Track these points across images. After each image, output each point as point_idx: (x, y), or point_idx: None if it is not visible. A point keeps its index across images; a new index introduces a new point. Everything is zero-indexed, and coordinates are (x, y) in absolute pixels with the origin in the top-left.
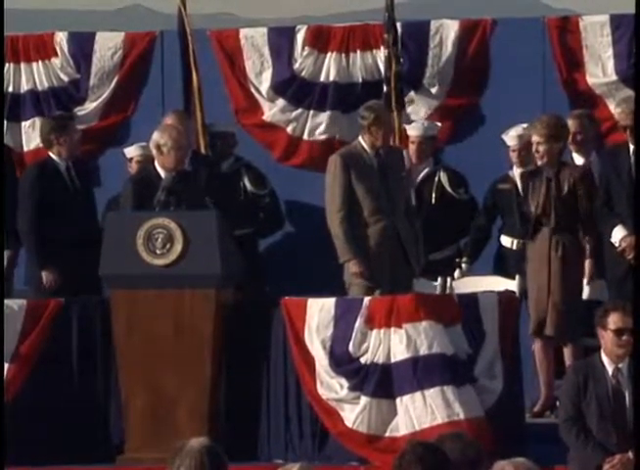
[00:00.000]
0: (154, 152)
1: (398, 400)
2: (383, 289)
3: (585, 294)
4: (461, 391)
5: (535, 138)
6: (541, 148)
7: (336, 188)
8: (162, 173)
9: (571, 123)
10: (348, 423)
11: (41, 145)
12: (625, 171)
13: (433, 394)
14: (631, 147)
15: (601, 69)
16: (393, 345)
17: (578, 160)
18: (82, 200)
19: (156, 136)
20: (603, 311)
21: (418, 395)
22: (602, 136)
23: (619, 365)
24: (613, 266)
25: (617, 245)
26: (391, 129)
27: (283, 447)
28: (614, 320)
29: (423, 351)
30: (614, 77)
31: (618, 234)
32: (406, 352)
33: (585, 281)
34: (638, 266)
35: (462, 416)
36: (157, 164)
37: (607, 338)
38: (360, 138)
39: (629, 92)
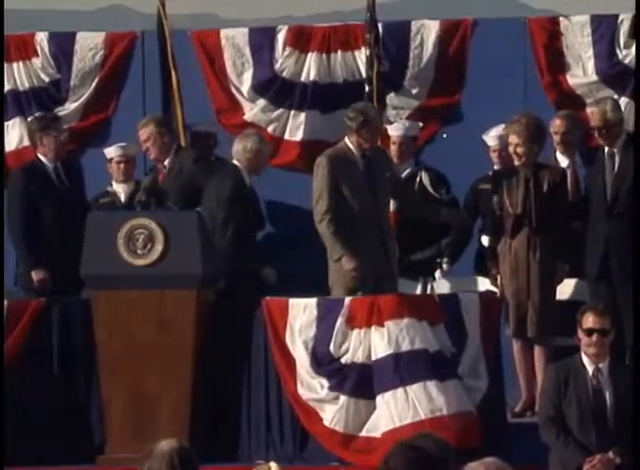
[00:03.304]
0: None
1: (380, 397)
2: (365, 290)
3: (567, 294)
4: (445, 386)
5: (514, 139)
6: (520, 149)
7: (323, 189)
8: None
9: (558, 123)
10: (326, 422)
11: (22, 145)
12: (601, 174)
13: (415, 389)
14: (606, 149)
15: (581, 69)
16: (374, 343)
17: (563, 160)
18: (71, 200)
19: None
20: (580, 312)
21: (400, 390)
22: (587, 137)
23: (600, 365)
24: (590, 267)
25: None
26: (379, 131)
27: (263, 448)
28: (586, 320)
29: (405, 347)
30: (594, 78)
31: None
32: (388, 349)
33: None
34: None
35: (445, 411)
36: None
37: (581, 337)
38: (346, 139)
39: (610, 92)
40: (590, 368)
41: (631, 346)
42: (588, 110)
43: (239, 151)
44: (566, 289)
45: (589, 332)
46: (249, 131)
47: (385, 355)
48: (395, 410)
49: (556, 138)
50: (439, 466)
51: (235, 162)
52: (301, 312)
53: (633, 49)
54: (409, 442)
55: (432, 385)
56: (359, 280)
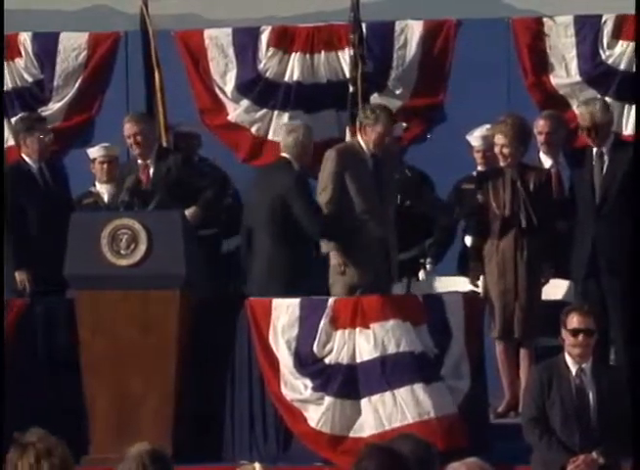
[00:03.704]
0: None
1: (366, 400)
2: (364, 289)
3: (550, 295)
4: (431, 388)
5: (500, 140)
6: (506, 150)
7: (328, 182)
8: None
9: (541, 124)
10: (312, 423)
11: (7, 145)
12: (589, 174)
13: (403, 393)
14: (594, 149)
15: (565, 69)
16: (359, 345)
17: (546, 161)
18: (56, 200)
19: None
20: (565, 312)
21: (388, 394)
22: (570, 137)
23: (583, 365)
24: (577, 267)
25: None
26: (388, 133)
27: (247, 448)
28: (571, 321)
29: (391, 349)
30: (577, 78)
31: None
32: (374, 352)
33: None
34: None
35: (433, 414)
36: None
37: (566, 338)
38: (359, 137)
39: (593, 93)
40: (573, 369)
41: (620, 345)
42: (577, 110)
43: (289, 144)
44: (549, 289)
45: (575, 332)
46: (296, 123)
47: (371, 359)
48: (384, 414)
49: (540, 138)
50: (417, 468)
51: (284, 154)
52: (284, 312)
53: (616, 49)
54: (383, 443)
55: (418, 388)
56: (358, 279)
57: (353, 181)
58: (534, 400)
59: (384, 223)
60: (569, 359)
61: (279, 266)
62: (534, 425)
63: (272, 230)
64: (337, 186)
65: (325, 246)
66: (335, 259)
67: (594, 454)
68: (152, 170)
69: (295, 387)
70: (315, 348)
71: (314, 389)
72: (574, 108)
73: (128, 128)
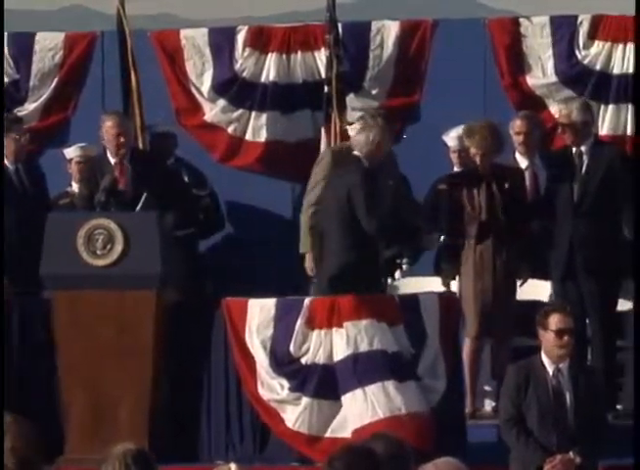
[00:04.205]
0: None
1: (342, 399)
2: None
3: (526, 294)
4: (403, 386)
5: (473, 151)
6: (479, 158)
7: (318, 182)
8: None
9: (519, 124)
10: (289, 424)
11: None
12: (568, 174)
13: (374, 389)
14: (573, 149)
15: (541, 70)
16: (336, 345)
17: (522, 161)
18: (33, 201)
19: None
20: (544, 312)
21: (359, 391)
22: (546, 138)
23: (560, 366)
24: (556, 267)
25: None
26: (386, 138)
27: (223, 448)
28: (554, 321)
29: (363, 348)
30: (554, 78)
31: None
32: (347, 350)
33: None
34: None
35: (404, 410)
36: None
37: (547, 338)
38: (353, 141)
39: (569, 93)
40: (550, 369)
41: (597, 346)
42: (556, 108)
43: (361, 142)
44: (526, 289)
45: (559, 333)
46: (369, 122)
47: (344, 357)
48: (356, 411)
49: (517, 139)
50: (390, 467)
51: (356, 152)
52: (260, 312)
53: (592, 50)
54: (356, 443)
55: (390, 385)
56: (342, 280)
57: None
58: (511, 401)
59: (379, 228)
60: (545, 360)
61: (349, 265)
62: (512, 425)
63: (341, 228)
64: (327, 184)
65: (302, 246)
66: (307, 263)
67: (571, 454)
68: (129, 171)
69: (271, 387)
70: (291, 348)
71: (291, 389)
72: (553, 106)
73: (112, 128)
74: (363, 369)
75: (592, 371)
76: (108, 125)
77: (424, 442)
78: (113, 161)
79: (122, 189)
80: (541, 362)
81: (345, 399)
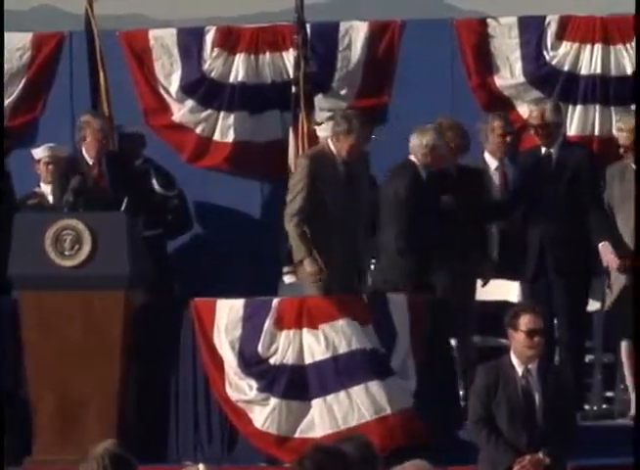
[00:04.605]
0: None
1: (320, 401)
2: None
3: (493, 295)
4: (385, 384)
5: (438, 151)
6: (444, 160)
7: (299, 191)
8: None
9: (498, 124)
10: (258, 424)
11: None
12: (537, 174)
13: (357, 391)
14: (543, 149)
15: (509, 70)
16: (309, 346)
17: (492, 162)
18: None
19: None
20: (513, 313)
21: (342, 393)
22: (514, 139)
23: (529, 366)
24: (526, 267)
25: None
26: (362, 141)
27: (192, 449)
28: (525, 322)
29: (342, 349)
30: (522, 79)
31: None
32: (325, 352)
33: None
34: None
35: (389, 411)
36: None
37: (518, 339)
38: (330, 143)
39: (537, 94)
40: (519, 369)
41: (566, 346)
42: (527, 108)
43: (415, 146)
44: (493, 289)
45: (530, 333)
46: (427, 126)
47: (323, 359)
48: (340, 413)
49: (497, 139)
50: (359, 468)
51: (411, 157)
52: (228, 313)
53: (560, 50)
54: (325, 443)
55: (373, 385)
56: (331, 285)
57: (326, 189)
58: (481, 401)
59: (356, 229)
60: (514, 360)
61: (403, 265)
62: (481, 425)
63: (392, 228)
64: (307, 195)
65: (298, 253)
66: (310, 268)
67: (540, 454)
68: (105, 172)
69: (239, 387)
70: (260, 348)
71: (259, 389)
72: (521, 107)
73: (99, 129)
74: (345, 371)
75: (561, 372)
76: (94, 126)
77: (414, 437)
78: (91, 161)
79: (101, 189)
80: (510, 363)
81: (327, 401)
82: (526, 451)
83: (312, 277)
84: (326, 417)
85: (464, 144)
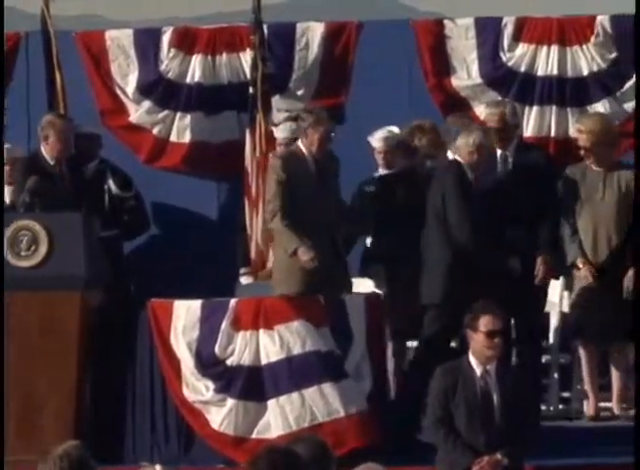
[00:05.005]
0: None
1: (273, 402)
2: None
3: None
4: (339, 386)
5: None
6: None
7: (275, 191)
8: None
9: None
10: (215, 425)
11: None
12: (493, 176)
13: (311, 392)
14: (499, 152)
15: (466, 71)
16: (264, 346)
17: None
18: None
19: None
20: (473, 314)
21: (295, 395)
22: None
23: (488, 367)
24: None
25: None
26: (328, 135)
27: (149, 450)
28: (485, 322)
29: (296, 350)
30: (478, 80)
31: None
32: (280, 353)
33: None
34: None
35: (342, 413)
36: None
37: (477, 340)
38: (299, 142)
39: (494, 95)
40: (478, 370)
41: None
42: (485, 110)
43: (462, 145)
44: None
45: (490, 334)
46: (473, 126)
47: (277, 360)
48: (292, 415)
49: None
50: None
51: (456, 157)
52: (185, 314)
53: (517, 51)
54: (279, 444)
55: (327, 387)
56: (311, 276)
57: (298, 186)
58: (439, 402)
59: (330, 226)
60: (473, 361)
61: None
62: (439, 426)
63: (440, 230)
64: (284, 193)
65: (290, 245)
66: (305, 256)
67: (498, 455)
68: (66, 172)
69: (196, 388)
70: (217, 349)
71: (216, 390)
72: (478, 108)
73: (65, 130)
74: (298, 372)
75: (519, 372)
76: (58, 127)
77: (367, 440)
78: (52, 162)
79: (63, 190)
80: (469, 364)
81: (280, 401)
82: (485, 452)
83: (307, 265)
84: (279, 418)
85: (443, 145)
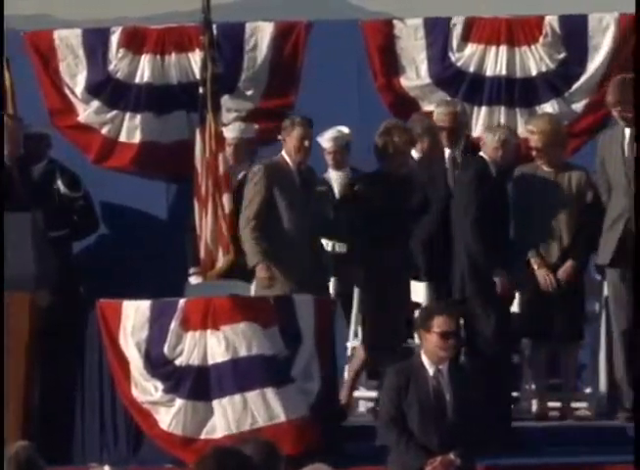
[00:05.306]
0: None
1: (217, 402)
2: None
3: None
4: (282, 392)
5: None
6: (398, 159)
7: (254, 197)
8: None
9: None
10: (163, 425)
11: None
12: (442, 177)
13: (253, 396)
14: (447, 152)
15: (415, 71)
16: (211, 347)
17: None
18: None
19: None
20: (427, 314)
21: (238, 397)
22: None
23: (440, 367)
24: (432, 268)
25: None
26: (307, 137)
27: (97, 450)
28: (438, 323)
29: (242, 352)
30: (427, 80)
31: None
32: (225, 355)
33: None
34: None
35: (283, 418)
36: None
37: (431, 340)
38: (283, 151)
39: (443, 95)
40: (431, 370)
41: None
42: (437, 110)
43: (488, 141)
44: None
45: (444, 335)
46: (499, 125)
47: (222, 361)
48: (233, 416)
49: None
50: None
51: (481, 153)
52: (134, 314)
53: (466, 52)
54: (227, 445)
55: (269, 391)
56: (293, 282)
57: (281, 198)
58: (392, 402)
59: (311, 236)
60: (425, 361)
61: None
62: (392, 426)
63: (465, 226)
64: (263, 202)
65: (251, 259)
66: (262, 273)
67: (451, 455)
68: (15, 173)
69: (145, 389)
70: (166, 349)
71: (165, 391)
72: (427, 108)
73: (18, 129)
74: (243, 375)
75: (471, 372)
76: (11, 128)
77: (307, 445)
78: (9, 162)
79: (15, 191)
80: (421, 363)
81: (222, 403)
82: (438, 452)
83: (261, 283)
84: (222, 420)
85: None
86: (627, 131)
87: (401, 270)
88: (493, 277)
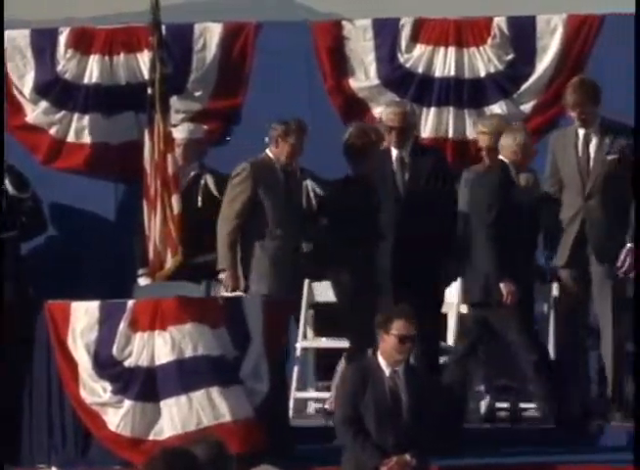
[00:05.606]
0: None
1: (163, 403)
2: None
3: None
4: (228, 392)
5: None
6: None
7: (238, 197)
8: None
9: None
10: (112, 427)
11: None
12: (390, 178)
13: (198, 396)
14: (394, 151)
15: (364, 72)
16: (158, 348)
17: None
18: None
19: None
20: (387, 316)
21: (183, 398)
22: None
23: (396, 367)
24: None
25: None
26: (300, 145)
27: (45, 452)
28: (397, 327)
29: (188, 353)
30: (376, 81)
31: None
32: (171, 355)
33: None
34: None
35: (229, 418)
36: None
37: (388, 342)
38: (268, 150)
39: (392, 96)
40: (387, 370)
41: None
42: (387, 110)
43: (507, 144)
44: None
45: (402, 339)
46: (517, 124)
47: (167, 362)
48: (179, 417)
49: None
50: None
51: (500, 156)
52: (83, 315)
53: (415, 53)
54: (176, 445)
55: (215, 391)
56: (268, 293)
57: (266, 196)
58: (349, 401)
59: (297, 238)
60: (382, 361)
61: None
62: (348, 426)
63: (484, 231)
64: (247, 204)
65: (221, 261)
66: (228, 280)
67: (407, 456)
68: None
69: (93, 390)
70: (114, 351)
71: (113, 392)
72: (375, 111)
73: None
74: (188, 375)
75: (426, 373)
76: None
77: (252, 445)
78: None
79: None
80: (377, 364)
81: (168, 403)
82: (393, 453)
83: (225, 289)
84: (169, 421)
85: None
86: (581, 132)
87: (369, 272)
88: (500, 283)
